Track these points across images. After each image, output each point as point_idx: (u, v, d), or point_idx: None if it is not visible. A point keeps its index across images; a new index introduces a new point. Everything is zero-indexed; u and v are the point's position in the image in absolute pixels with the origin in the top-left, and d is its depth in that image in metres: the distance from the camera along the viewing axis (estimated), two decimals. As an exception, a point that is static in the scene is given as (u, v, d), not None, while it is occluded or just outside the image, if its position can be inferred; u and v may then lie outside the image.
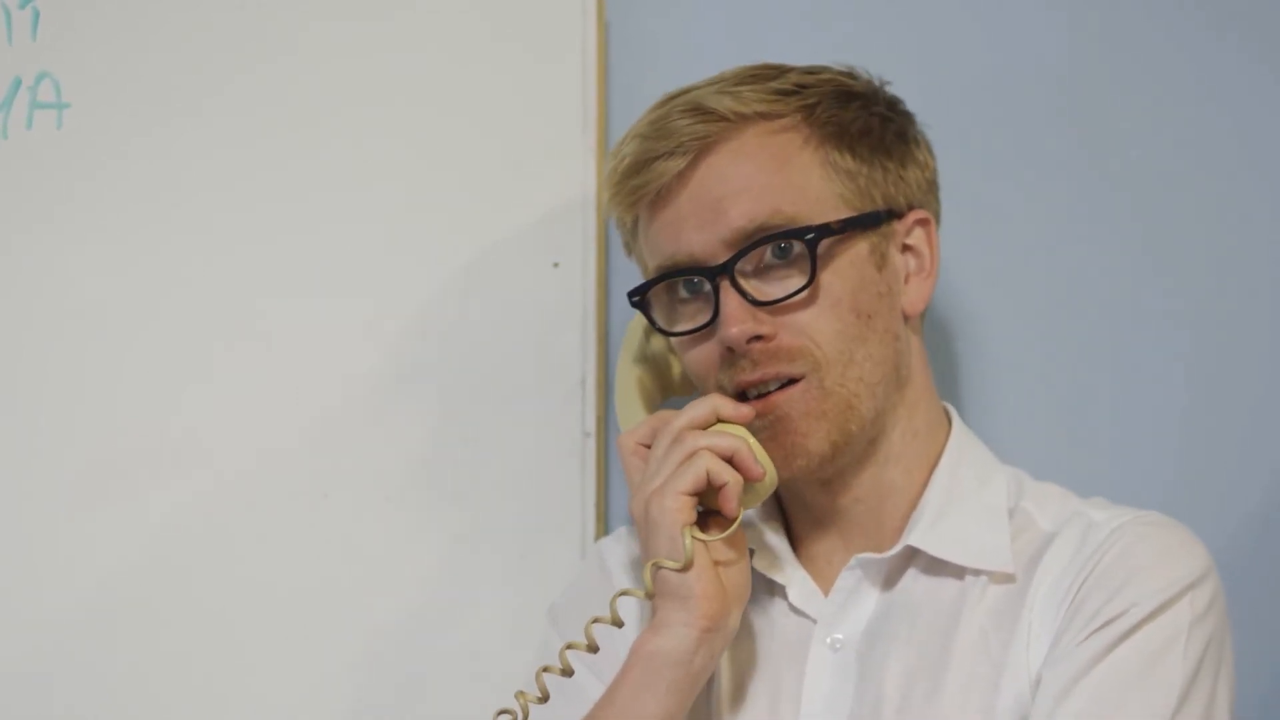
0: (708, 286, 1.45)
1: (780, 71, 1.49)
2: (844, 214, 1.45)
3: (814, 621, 1.47)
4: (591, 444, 1.69)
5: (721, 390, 1.45)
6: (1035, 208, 1.74)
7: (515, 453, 1.69)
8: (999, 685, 1.40)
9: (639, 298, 1.50)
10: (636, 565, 1.52)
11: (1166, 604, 1.37)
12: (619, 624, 1.41)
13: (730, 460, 1.41)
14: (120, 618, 1.66)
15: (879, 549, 1.47)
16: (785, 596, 1.48)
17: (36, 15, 1.67)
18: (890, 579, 1.47)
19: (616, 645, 1.44)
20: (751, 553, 1.48)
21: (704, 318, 1.46)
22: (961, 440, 1.51)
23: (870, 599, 1.46)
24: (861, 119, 1.48)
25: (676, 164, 1.45)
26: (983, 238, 1.73)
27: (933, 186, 1.53)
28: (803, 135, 1.46)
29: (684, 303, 1.48)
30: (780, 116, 1.46)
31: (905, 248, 1.49)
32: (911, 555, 1.46)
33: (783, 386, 1.44)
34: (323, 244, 1.69)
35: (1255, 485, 1.71)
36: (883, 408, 1.46)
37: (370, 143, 1.69)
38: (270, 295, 1.68)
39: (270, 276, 1.68)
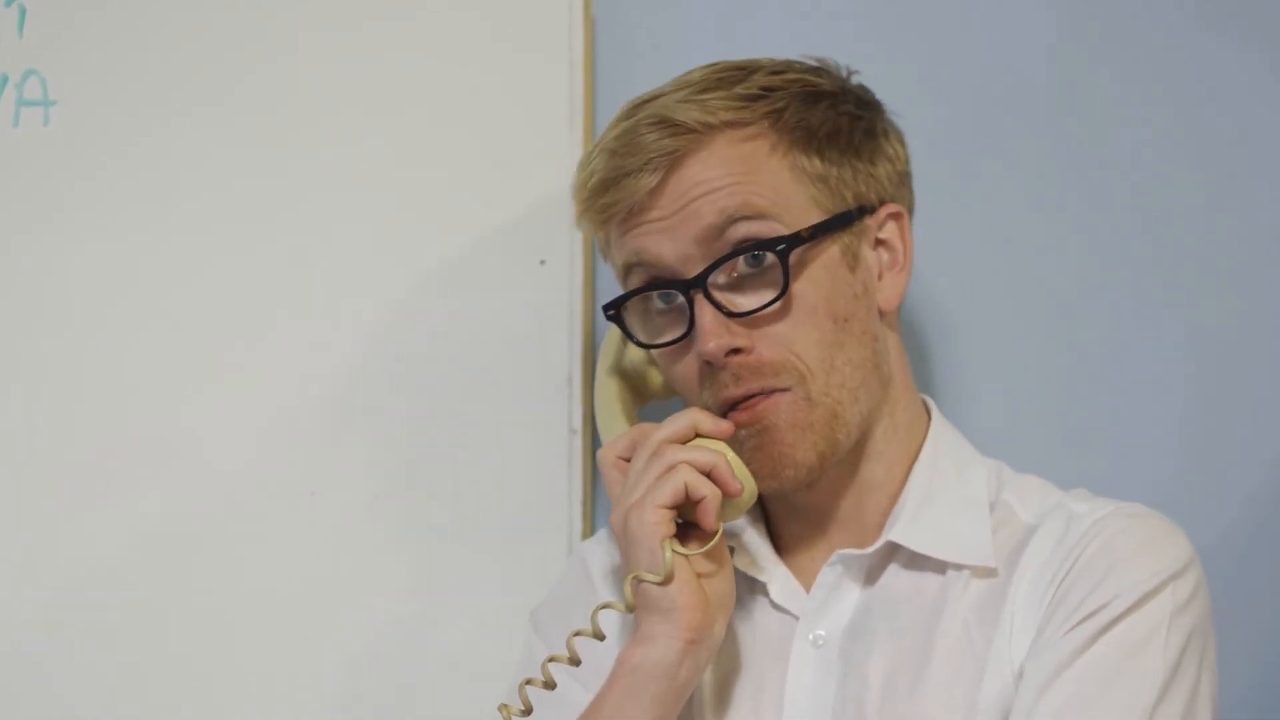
0: (681, 299, 1.44)
1: (746, 73, 1.47)
2: (815, 217, 1.44)
3: (796, 618, 1.46)
4: (578, 441, 1.69)
5: (706, 408, 1.44)
6: (1026, 201, 1.73)
7: (502, 449, 1.68)
8: (982, 679, 1.39)
9: (614, 311, 1.49)
10: (618, 571, 1.51)
11: (1148, 595, 1.37)
12: (600, 637, 1.41)
13: (709, 475, 1.41)
14: (111, 616, 1.66)
15: (860, 545, 1.46)
16: (767, 594, 1.48)
17: (23, 12, 1.67)
18: (872, 574, 1.46)
19: (599, 652, 1.44)
20: (732, 550, 1.47)
21: (679, 330, 1.45)
22: (940, 433, 1.50)
23: (852, 595, 1.45)
24: (830, 120, 1.47)
25: (648, 181, 1.44)
26: (973, 231, 1.72)
27: (904, 178, 1.52)
28: (770, 142, 1.45)
29: (661, 314, 1.47)
30: (747, 125, 1.45)
31: (878, 242, 1.48)
32: (893, 550, 1.45)
33: (769, 394, 1.43)
34: (309, 243, 1.69)
35: (1246, 479, 1.70)
36: (866, 410, 1.45)
37: (357, 142, 1.69)
38: (256, 294, 1.68)
39: (256, 275, 1.68)
